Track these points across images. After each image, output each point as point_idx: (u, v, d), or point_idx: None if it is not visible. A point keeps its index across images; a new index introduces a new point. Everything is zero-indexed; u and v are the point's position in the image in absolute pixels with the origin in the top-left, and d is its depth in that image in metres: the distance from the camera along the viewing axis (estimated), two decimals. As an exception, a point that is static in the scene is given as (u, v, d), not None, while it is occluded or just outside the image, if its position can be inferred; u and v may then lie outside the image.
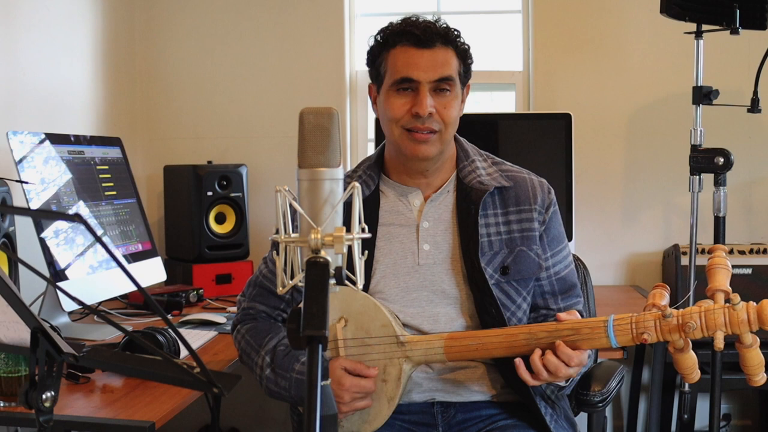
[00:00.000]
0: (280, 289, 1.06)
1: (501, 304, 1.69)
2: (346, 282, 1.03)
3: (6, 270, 1.99)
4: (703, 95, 2.55)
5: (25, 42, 2.50)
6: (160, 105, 3.21)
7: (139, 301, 2.57)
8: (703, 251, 2.74)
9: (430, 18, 1.73)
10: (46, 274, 2.06)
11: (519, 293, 1.74)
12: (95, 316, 2.39)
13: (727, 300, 1.49)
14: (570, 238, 2.74)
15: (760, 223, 3.02)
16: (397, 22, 1.73)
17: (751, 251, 2.81)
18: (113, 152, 2.55)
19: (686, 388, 2.68)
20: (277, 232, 1.08)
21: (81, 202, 2.30)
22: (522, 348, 1.59)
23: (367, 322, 1.65)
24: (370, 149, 3.16)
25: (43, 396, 1.10)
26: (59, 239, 2.15)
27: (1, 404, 1.60)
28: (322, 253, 1.01)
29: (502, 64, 3.19)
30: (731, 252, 2.74)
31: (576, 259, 2.14)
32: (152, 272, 2.60)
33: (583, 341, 1.56)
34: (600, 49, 3.04)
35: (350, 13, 3.17)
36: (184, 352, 1.90)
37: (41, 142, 2.20)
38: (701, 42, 2.55)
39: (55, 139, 2.27)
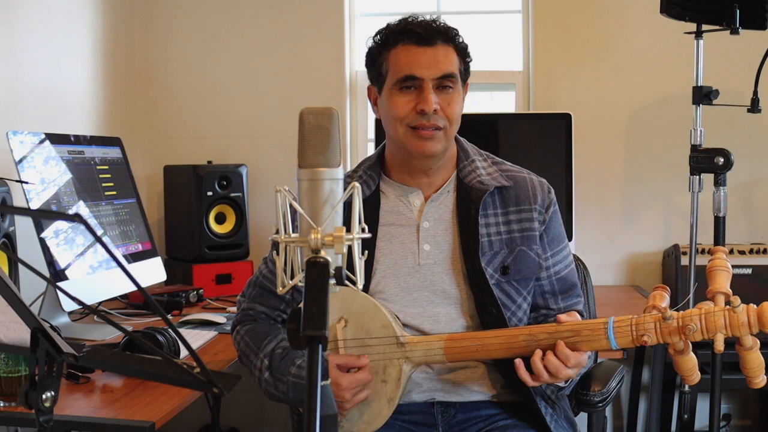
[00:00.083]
0: (280, 289, 1.06)
1: (501, 304, 1.69)
2: (346, 282, 1.03)
3: (6, 270, 1.99)
4: (703, 95, 2.55)
5: (25, 42, 2.50)
6: (160, 105, 3.21)
7: (139, 301, 2.57)
8: (703, 251, 2.75)
9: (428, 18, 1.73)
10: (46, 274, 2.06)
11: (519, 293, 1.74)
12: (95, 316, 2.39)
13: (728, 302, 1.49)
14: (570, 238, 2.74)
15: (760, 223, 3.02)
16: (395, 22, 1.74)
17: (751, 251, 2.81)
18: (113, 152, 2.55)
19: (686, 388, 2.68)
20: (277, 232, 1.08)
21: (81, 202, 2.30)
22: (522, 349, 1.59)
23: (367, 322, 1.65)
24: (370, 149, 3.16)
25: (43, 396, 1.10)
26: (59, 239, 2.15)
27: (1, 404, 1.60)
28: (322, 253, 1.01)
29: (502, 64, 3.19)
30: (731, 252, 2.74)
31: (576, 259, 2.13)
32: (152, 272, 2.60)
33: (583, 343, 1.56)
34: (600, 49, 3.04)
35: (350, 13, 3.17)
36: (184, 352, 1.90)
37: (41, 142, 2.20)
38: (701, 42, 2.55)
39: (55, 139, 2.27)
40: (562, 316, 1.60)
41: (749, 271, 2.77)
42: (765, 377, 1.51)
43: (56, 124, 2.60)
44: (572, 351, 1.55)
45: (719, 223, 2.46)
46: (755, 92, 2.52)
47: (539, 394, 1.71)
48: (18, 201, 2.16)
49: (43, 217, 2.16)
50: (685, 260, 2.71)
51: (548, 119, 2.84)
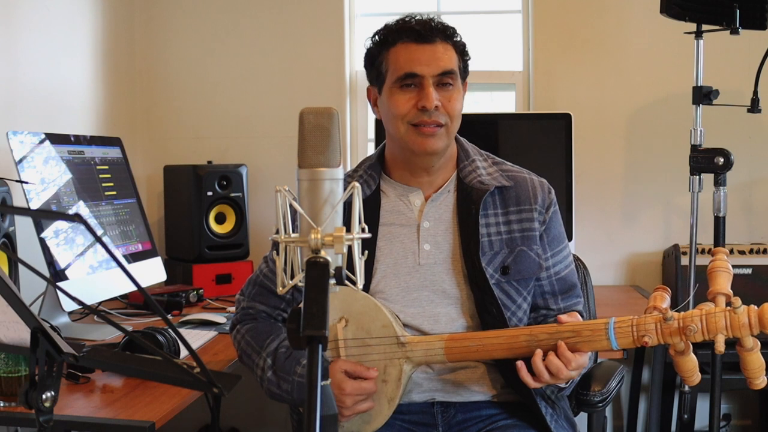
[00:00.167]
0: (280, 289, 1.06)
1: (501, 304, 1.69)
2: (346, 282, 1.02)
3: (6, 270, 1.99)
4: (703, 95, 2.55)
5: (25, 42, 2.50)
6: (160, 105, 3.21)
7: (139, 301, 2.57)
8: (703, 251, 2.75)
9: (430, 17, 1.74)
10: (46, 274, 2.06)
11: (519, 293, 1.74)
12: (95, 316, 2.39)
13: (729, 303, 1.49)
14: (570, 238, 2.74)
15: (760, 223, 3.02)
16: (393, 22, 1.74)
17: (751, 251, 2.82)
18: (113, 152, 2.55)
19: (686, 388, 2.68)
20: (277, 232, 1.08)
21: (81, 202, 2.30)
22: (523, 350, 1.59)
23: (367, 322, 1.65)
24: (370, 149, 3.16)
25: (43, 396, 1.10)
26: (59, 239, 2.15)
27: (1, 404, 1.60)
28: (322, 253, 1.01)
29: (502, 64, 3.19)
30: (731, 252, 2.74)
31: (576, 259, 2.13)
32: (152, 272, 2.60)
33: (583, 343, 1.56)
34: (600, 49, 3.04)
35: (350, 13, 3.17)
36: (184, 352, 1.90)
37: (41, 142, 2.20)
38: (701, 42, 2.55)
39: (55, 139, 2.27)
40: (563, 317, 1.60)
41: (749, 271, 2.77)
42: (765, 378, 1.51)
43: (56, 124, 2.60)
44: (573, 352, 1.55)
45: (719, 223, 2.46)
46: (755, 92, 2.52)
47: (539, 394, 1.71)
48: (18, 201, 2.16)
49: (43, 217, 2.16)
50: (685, 260, 2.71)
51: (548, 119, 2.84)
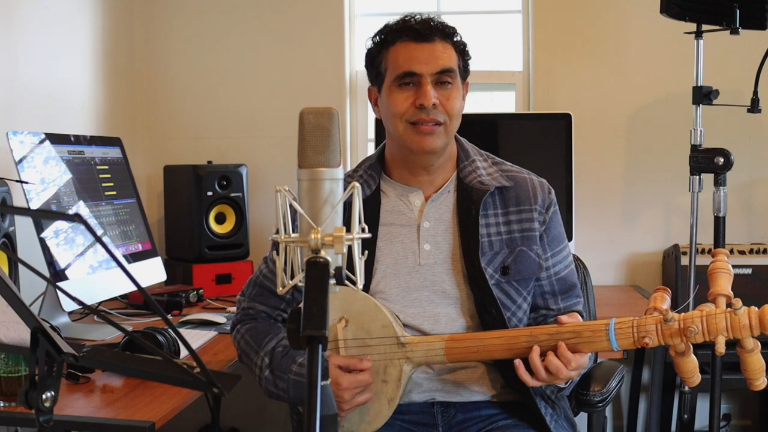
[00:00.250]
0: (280, 289, 1.06)
1: (501, 304, 1.70)
2: (346, 282, 1.02)
3: (6, 270, 1.99)
4: (703, 95, 2.55)
5: (25, 42, 2.50)
6: (160, 105, 3.21)
7: (139, 301, 2.57)
8: (703, 251, 2.75)
9: (430, 16, 1.74)
10: (46, 274, 2.06)
11: (519, 293, 1.74)
12: (95, 316, 2.39)
13: (729, 304, 1.49)
14: (570, 238, 2.74)
15: (760, 223, 3.02)
16: (393, 21, 1.74)
17: (751, 251, 2.82)
18: (113, 152, 2.55)
19: (686, 388, 2.68)
20: (277, 232, 1.08)
21: (81, 202, 2.30)
22: (523, 350, 1.59)
23: (367, 322, 1.65)
24: (370, 149, 3.16)
25: (43, 396, 1.10)
26: (59, 239, 2.15)
27: (1, 404, 1.60)
28: (322, 253, 1.01)
29: (502, 64, 3.19)
30: (731, 252, 2.74)
31: (576, 259, 2.13)
32: (152, 272, 2.60)
33: (584, 344, 1.56)
34: (600, 48, 3.04)
35: (350, 13, 3.17)
36: (184, 352, 1.90)
37: (41, 142, 2.20)
38: (701, 42, 2.55)
39: (55, 139, 2.27)
40: (564, 317, 1.60)
41: (749, 271, 2.77)
42: (765, 379, 1.51)
43: (56, 124, 2.60)
44: (573, 352, 1.56)
45: (719, 223, 2.46)
46: (755, 92, 2.52)
47: (539, 394, 1.71)
48: (18, 201, 2.16)
49: (43, 217, 2.16)
50: (685, 260, 2.71)
51: (548, 119, 2.84)
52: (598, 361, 2.10)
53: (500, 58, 3.20)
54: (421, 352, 1.64)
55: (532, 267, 1.76)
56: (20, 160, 2.09)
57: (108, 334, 2.18)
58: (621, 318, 1.56)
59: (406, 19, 1.73)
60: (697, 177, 2.55)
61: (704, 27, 2.53)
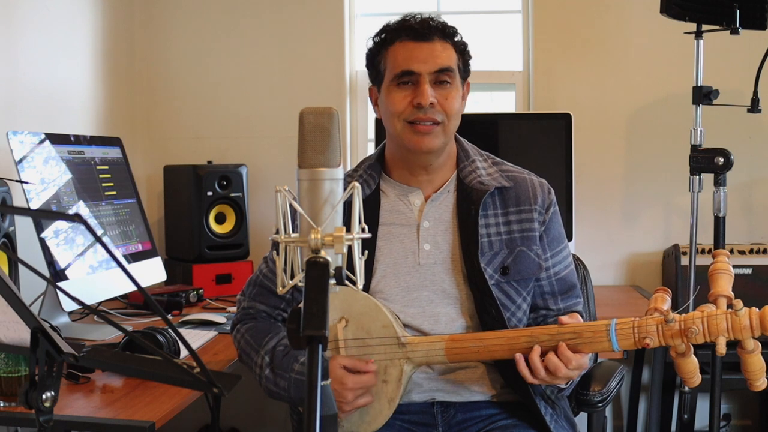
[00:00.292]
0: (280, 289, 1.06)
1: (501, 305, 1.69)
2: (346, 282, 1.02)
3: (6, 270, 1.99)
4: (703, 95, 2.55)
5: (25, 42, 2.50)
6: (160, 105, 3.21)
7: (139, 301, 2.57)
8: (703, 251, 2.75)
9: (430, 16, 1.74)
10: (46, 274, 2.06)
11: (519, 293, 1.74)
12: (95, 316, 2.39)
13: (730, 305, 1.49)
14: (570, 238, 2.74)
15: (760, 223, 3.02)
16: (393, 21, 1.74)
17: (751, 251, 2.82)
18: (113, 152, 2.55)
19: (686, 388, 2.68)
20: (277, 232, 1.08)
21: (81, 202, 2.30)
22: (524, 350, 1.59)
23: (368, 322, 1.65)
24: (370, 149, 3.16)
25: (43, 396, 1.10)
26: (59, 239, 2.15)
27: (1, 404, 1.60)
28: (322, 253, 1.01)
29: (502, 64, 3.19)
30: (731, 252, 2.74)
31: (576, 259, 2.13)
32: (152, 272, 2.60)
33: (584, 345, 1.56)
34: (600, 49, 3.04)
35: (350, 13, 3.17)
36: (184, 352, 1.90)
37: (41, 142, 2.20)
38: (701, 42, 2.55)
39: (55, 139, 2.27)
40: (564, 318, 1.60)
41: (749, 271, 2.77)
42: (766, 380, 1.51)
43: (56, 124, 2.60)
44: (574, 353, 1.56)
45: (719, 223, 2.46)
46: (755, 92, 2.52)
47: (539, 394, 1.71)
48: (18, 201, 2.16)
49: (43, 217, 2.16)
50: (685, 260, 2.71)
51: (548, 119, 2.84)
52: (598, 361, 2.10)
53: (500, 58, 3.20)
54: (422, 352, 1.64)
55: (531, 267, 1.76)
56: (20, 160, 2.09)
57: (108, 334, 2.18)
58: (622, 318, 1.56)
59: (406, 18, 1.73)
60: (697, 177, 2.55)
61: (704, 27, 2.53)
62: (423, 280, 1.74)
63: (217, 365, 1.98)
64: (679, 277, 2.74)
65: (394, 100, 1.71)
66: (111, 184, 2.48)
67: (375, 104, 1.81)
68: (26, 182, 2.07)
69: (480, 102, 3.34)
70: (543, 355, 1.57)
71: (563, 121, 2.78)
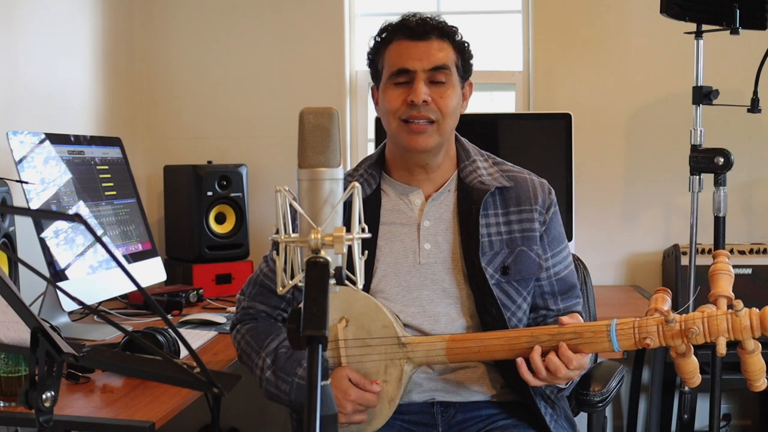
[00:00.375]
0: (280, 289, 1.06)
1: (501, 304, 1.69)
2: (346, 282, 1.02)
3: (6, 270, 1.99)
4: (703, 95, 2.55)
5: (25, 42, 2.50)
6: (160, 105, 3.21)
7: (139, 301, 2.57)
8: (703, 251, 2.75)
9: (429, 15, 1.74)
10: (46, 274, 2.06)
11: (519, 293, 1.74)
12: (95, 316, 2.39)
13: (730, 306, 1.49)
14: (570, 238, 2.73)
15: (760, 223, 3.02)
16: (393, 21, 1.75)
17: (751, 251, 2.81)
18: (113, 152, 2.55)
19: (686, 388, 2.68)
20: (277, 232, 1.08)
21: (81, 202, 2.30)
22: (524, 351, 1.59)
23: (368, 322, 1.65)
24: (370, 149, 3.16)
25: (43, 396, 1.10)
26: (59, 239, 2.15)
27: (1, 404, 1.60)
28: (322, 253, 1.01)
29: (502, 64, 3.19)
30: (731, 252, 2.74)
31: (576, 259, 2.13)
32: (152, 272, 2.60)
33: (585, 345, 1.56)
34: (600, 49, 3.04)
35: (350, 13, 3.17)
36: (184, 352, 1.90)
37: (41, 142, 2.20)
38: (701, 42, 2.55)
39: (55, 139, 2.27)
40: (565, 318, 1.60)
41: (749, 271, 2.77)
42: (766, 380, 1.51)
43: (56, 124, 2.60)
44: (575, 353, 1.56)
45: (719, 223, 2.46)
46: (755, 92, 2.52)
47: (539, 394, 1.71)
48: (18, 201, 2.16)
49: (43, 217, 2.16)
50: (685, 260, 2.71)
51: (548, 119, 2.84)
52: (598, 361, 2.10)
53: (500, 58, 3.20)
54: (422, 352, 1.64)
55: (532, 267, 1.75)
56: (20, 160, 2.09)
57: (108, 334, 2.18)
58: (622, 319, 1.56)
59: (405, 18, 1.73)
60: (697, 177, 2.55)
61: (704, 27, 2.53)
62: (423, 280, 1.74)
63: (217, 365, 1.98)
64: (679, 277, 2.74)
65: (389, 98, 1.71)
66: (111, 184, 2.48)
67: (376, 104, 1.82)
68: (26, 182, 2.07)
69: (480, 102, 3.34)
70: (543, 355, 1.57)
71: (563, 121, 2.78)
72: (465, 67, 1.76)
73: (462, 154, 1.81)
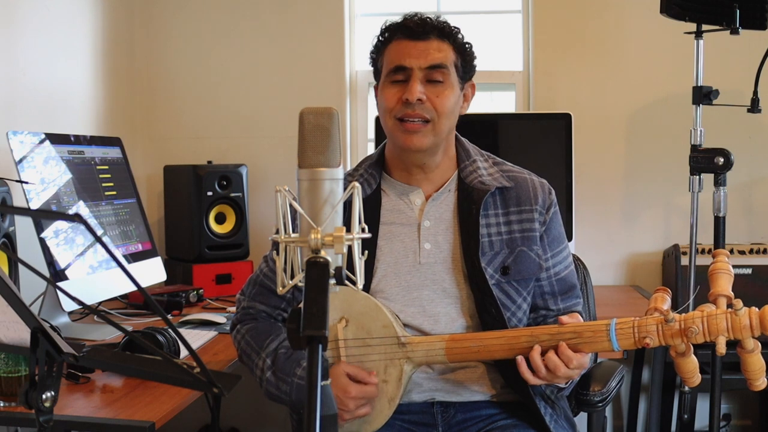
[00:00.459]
0: (280, 289, 1.06)
1: (501, 304, 1.69)
2: (346, 282, 1.02)
3: (6, 270, 1.99)
4: (703, 95, 2.55)
5: (25, 42, 2.50)
6: (160, 105, 3.21)
7: (139, 301, 2.57)
8: (703, 251, 2.75)
9: (431, 16, 1.74)
10: (46, 274, 2.06)
11: (519, 293, 1.74)
12: (95, 316, 2.39)
13: (730, 305, 1.49)
14: (570, 238, 2.73)
15: (760, 223, 3.02)
16: (395, 20, 1.75)
17: (751, 251, 2.81)
18: (113, 152, 2.55)
19: (686, 388, 2.68)
20: (277, 232, 1.08)
21: (81, 202, 2.30)
22: (524, 350, 1.59)
23: (368, 322, 1.65)
24: (370, 149, 3.16)
25: (43, 396, 1.10)
26: (59, 239, 2.15)
27: (1, 404, 1.60)
28: (322, 253, 1.01)
29: (502, 64, 3.19)
30: (731, 252, 2.74)
31: (576, 259, 2.13)
32: (152, 272, 2.60)
33: (584, 344, 1.56)
34: (600, 49, 3.04)
35: (350, 13, 3.17)
36: (184, 352, 1.90)
37: (41, 142, 2.20)
38: (701, 42, 2.55)
39: (55, 139, 2.27)
40: (564, 318, 1.60)
41: (749, 271, 2.76)
42: (766, 380, 1.51)
43: (56, 124, 2.60)
44: (575, 352, 1.56)
45: (719, 223, 2.46)
46: (755, 92, 2.52)
47: (539, 394, 1.71)
48: (18, 201, 2.16)
49: (43, 217, 2.16)
50: (685, 260, 2.71)
51: (548, 119, 2.84)
52: (598, 361, 2.10)
53: (500, 58, 3.20)
54: (422, 352, 1.64)
55: (532, 267, 1.75)
56: (20, 160, 2.09)
57: (108, 334, 2.18)
58: (622, 318, 1.56)
59: (406, 18, 1.73)
60: (697, 177, 2.55)
61: (704, 27, 2.53)
62: (423, 280, 1.74)
63: (217, 365, 1.98)
64: (679, 277, 2.74)
65: (386, 96, 1.71)
66: (111, 184, 2.48)
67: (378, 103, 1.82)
68: (26, 182, 2.07)
69: (480, 102, 3.34)
70: (543, 354, 1.57)
71: (563, 121, 2.78)
72: (466, 68, 1.75)
73: (462, 154, 1.81)
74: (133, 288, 1.68)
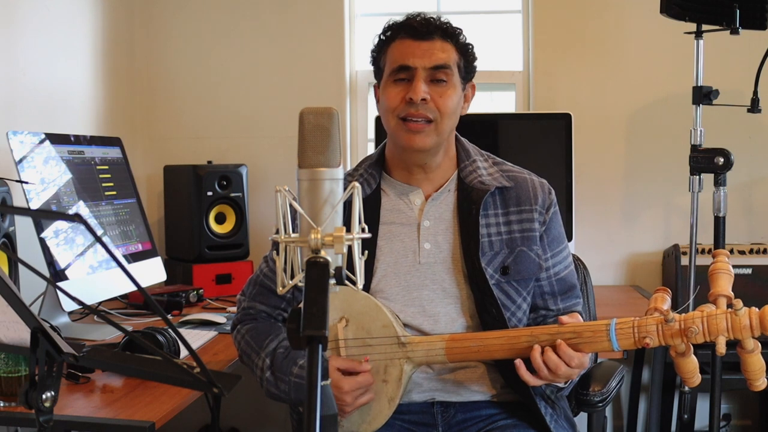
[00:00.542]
0: (280, 289, 1.06)
1: (501, 304, 1.69)
2: (346, 282, 1.02)
3: (6, 270, 1.99)
4: (703, 95, 2.55)
5: (25, 42, 2.50)
6: (160, 105, 3.21)
7: (139, 301, 2.57)
8: (703, 251, 2.75)
9: (433, 16, 1.74)
10: (46, 274, 2.06)
11: (519, 293, 1.74)
12: (95, 316, 2.39)
13: (730, 305, 1.49)
14: (570, 238, 2.74)
15: (760, 223, 3.02)
16: (397, 20, 1.75)
17: (751, 251, 2.81)
18: (113, 152, 2.55)
19: (686, 388, 2.68)
20: (277, 232, 1.08)
21: (81, 202, 2.30)
22: (524, 350, 1.59)
23: (368, 322, 1.65)
24: (370, 149, 3.16)
25: (43, 396, 1.10)
26: (59, 239, 2.15)
27: (1, 404, 1.60)
28: (322, 253, 1.01)
29: (502, 64, 3.19)
30: (731, 252, 2.74)
31: (576, 259, 2.13)
32: (152, 272, 2.60)
33: (584, 344, 1.56)
34: (600, 49, 3.04)
35: (350, 13, 3.17)
36: (184, 352, 1.90)
37: (41, 142, 2.20)
38: (701, 42, 2.55)
39: (55, 139, 2.27)
40: (564, 318, 1.60)
41: (749, 271, 2.76)
42: (766, 380, 1.51)
43: (56, 124, 2.60)
44: (575, 352, 1.56)
45: (719, 223, 2.46)
46: (755, 92, 2.52)
47: (539, 394, 1.71)
48: (18, 201, 2.16)
49: (43, 217, 2.16)
50: (685, 260, 2.71)
51: (548, 119, 2.84)
52: (598, 361, 2.10)
53: (500, 58, 3.20)
54: (422, 351, 1.64)
55: (532, 267, 1.76)
56: (20, 160, 2.09)
57: (108, 334, 2.18)
58: (622, 318, 1.56)
59: (409, 17, 1.73)
60: (697, 177, 2.55)
61: (704, 27, 2.53)
62: (423, 279, 1.74)
63: (217, 365, 1.98)
64: (679, 277, 2.74)
65: (388, 95, 1.71)
66: (111, 184, 2.48)
67: (378, 102, 1.82)
68: (26, 182, 2.07)
69: (480, 102, 3.34)
70: (542, 352, 1.57)
71: (563, 121, 2.78)
72: (467, 69, 1.76)
73: (462, 154, 1.81)
74: (133, 288, 1.68)
